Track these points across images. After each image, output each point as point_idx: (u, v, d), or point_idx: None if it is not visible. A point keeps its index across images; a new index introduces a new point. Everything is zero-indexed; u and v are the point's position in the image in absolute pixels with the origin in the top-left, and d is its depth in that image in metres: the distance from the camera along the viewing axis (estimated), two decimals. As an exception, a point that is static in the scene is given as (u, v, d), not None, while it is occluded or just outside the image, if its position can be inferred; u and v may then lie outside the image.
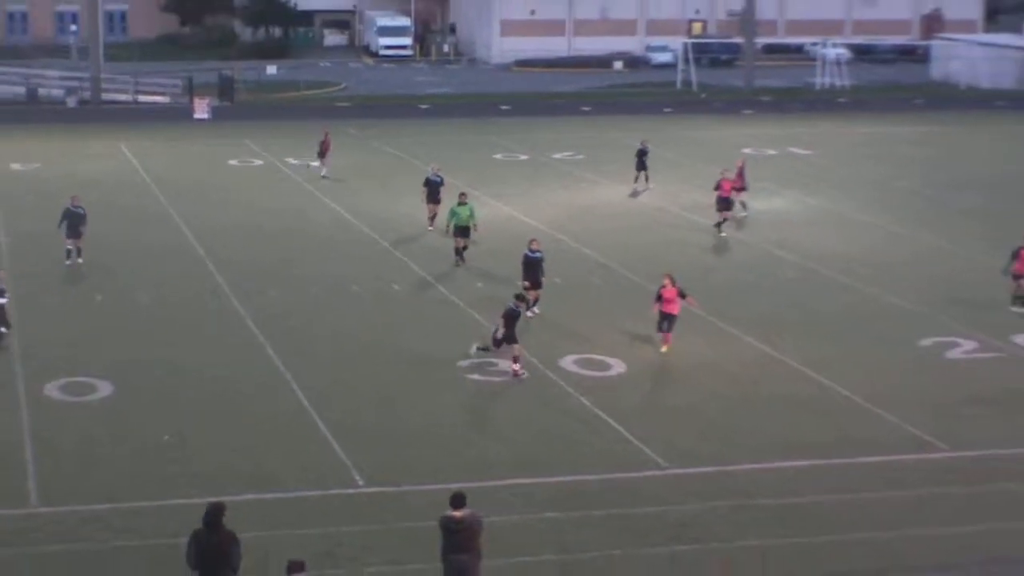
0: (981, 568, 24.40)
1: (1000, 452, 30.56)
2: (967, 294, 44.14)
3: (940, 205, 59.56)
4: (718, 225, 52.46)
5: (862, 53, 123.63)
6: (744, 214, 55.48)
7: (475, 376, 35.44)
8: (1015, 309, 41.64)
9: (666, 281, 37.11)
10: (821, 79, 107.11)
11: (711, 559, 25.34)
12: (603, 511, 27.22)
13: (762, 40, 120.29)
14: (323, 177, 63.22)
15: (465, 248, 46.97)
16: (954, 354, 37.85)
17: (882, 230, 54.28)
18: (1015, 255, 42.27)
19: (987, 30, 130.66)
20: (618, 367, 36.39)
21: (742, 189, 55.48)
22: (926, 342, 38.84)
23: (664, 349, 37.19)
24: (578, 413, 32.91)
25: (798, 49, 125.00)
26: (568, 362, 36.56)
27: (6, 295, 38.16)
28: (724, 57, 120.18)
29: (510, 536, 25.82)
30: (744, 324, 40.14)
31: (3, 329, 37.69)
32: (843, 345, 38.63)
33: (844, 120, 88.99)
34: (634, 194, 60.60)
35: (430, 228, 51.73)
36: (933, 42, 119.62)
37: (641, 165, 62.06)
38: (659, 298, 37.18)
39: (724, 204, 52.36)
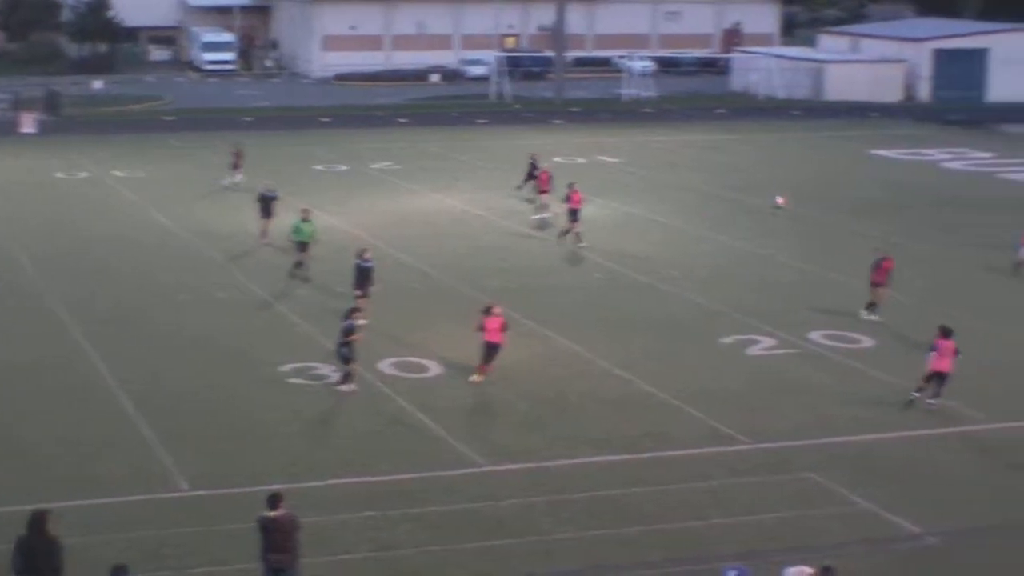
0: (781, 555, 25.49)
1: (798, 443, 32.11)
2: (766, 293, 45.93)
3: (737, 208, 61.48)
4: (565, 234, 53.21)
5: (667, 65, 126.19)
6: (547, 215, 57.05)
7: (297, 380, 36.20)
8: (866, 316, 42.82)
9: (495, 310, 36.52)
10: (628, 90, 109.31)
11: (529, 553, 26.41)
12: (422, 509, 28.11)
13: (572, 53, 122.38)
14: (233, 184, 63.92)
15: (300, 264, 47.30)
16: (754, 351, 39.48)
17: (685, 233, 56.07)
18: (876, 265, 43.32)
19: (783, 44, 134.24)
20: (435, 369, 37.40)
21: (544, 192, 57.76)
22: (727, 340, 40.42)
23: (475, 378, 36.16)
24: (397, 414, 33.81)
25: (606, 62, 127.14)
26: (386, 365, 37.44)
27: None
28: (536, 70, 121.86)
29: (329, 534, 26.61)
30: (555, 325, 41.39)
31: None
32: (649, 344, 40.07)
33: (650, 129, 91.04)
34: (532, 204, 60.31)
35: (264, 242, 52.12)
36: (733, 55, 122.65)
37: (530, 176, 62.51)
38: (482, 327, 36.17)
39: (573, 215, 53.13)
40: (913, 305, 44.49)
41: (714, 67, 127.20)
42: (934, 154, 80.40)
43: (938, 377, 34.40)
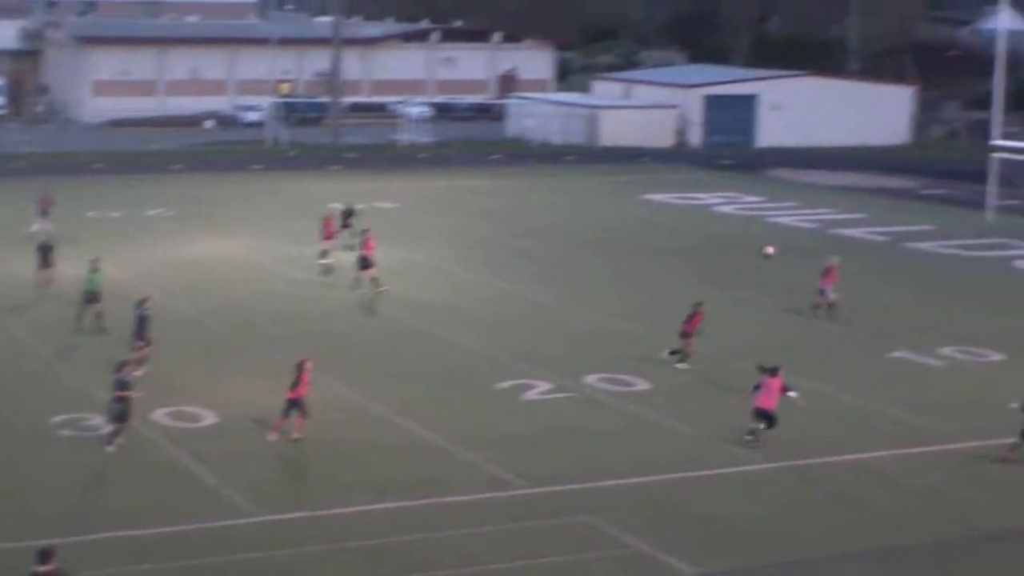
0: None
1: (574, 487, 32.37)
2: (542, 338, 46.30)
3: (514, 253, 61.97)
4: (357, 282, 52.61)
5: (443, 111, 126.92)
6: (330, 261, 56.90)
7: (68, 432, 35.48)
8: (674, 364, 43.05)
9: (307, 364, 35.54)
10: (404, 136, 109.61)
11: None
12: (199, 560, 27.72)
13: (348, 99, 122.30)
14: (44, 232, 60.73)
15: (96, 313, 45.98)
16: (530, 396, 39.73)
17: (460, 278, 56.35)
18: (689, 317, 43.44)
19: (558, 89, 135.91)
20: (210, 418, 36.96)
21: (329, 238, 57.48)
22: (504, 384, 40.63)
23: (296, 435, 35.05)
24: (170, 464, 33.33)
25: (382, 107, 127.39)
26: (160, 415, 36.89)
27: None
28: (312, 115, 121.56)
29: (106, 587, 26.18)
30: (333, 371, 41.09)
31: None
32: (426, 390, 40.08)
33: (426, 175, 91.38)
34: (345, 248, 59.68)
35: (45, 292, 50.79)
36: (509, 101, 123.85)
37: (345, 224, 61.72)
38: (295, 385, 35.21)
39: (364, 263, 52.60)
40: (696, 351, 45.21)
41: (490, 113, 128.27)
42: (706, 198, 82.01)
43: (763, 415, 35.04)
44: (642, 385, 40.88)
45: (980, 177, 77.87)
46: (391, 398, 38.98)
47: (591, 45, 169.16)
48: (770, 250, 38.55)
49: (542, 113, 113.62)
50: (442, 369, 42.52)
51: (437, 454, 34.59)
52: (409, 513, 30.58)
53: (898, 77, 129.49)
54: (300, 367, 35.45)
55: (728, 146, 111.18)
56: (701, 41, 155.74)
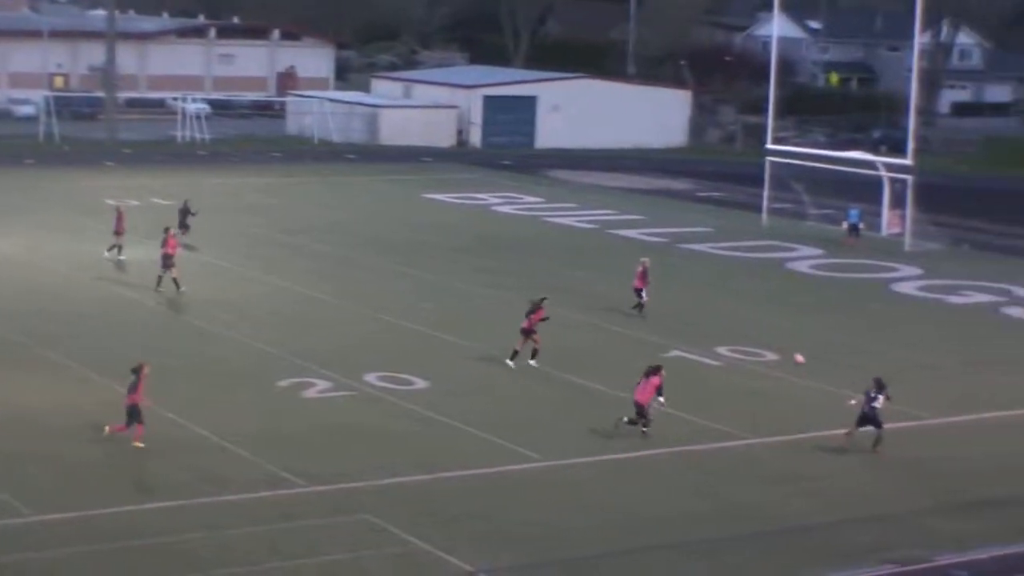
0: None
1: (354, 485, 32.20)
2: (321, 336, 46.02)
3: (294, 251, 61.49)
4: (160, 281, 51.64)
5: (222, 108, 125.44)
6: (121, 258, 55.97)
7: None
8: (530, 362, 43.01)
9: (144, 369, 34.80)
10: (182, 132, 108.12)
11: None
12: (-35, 561, 27.07)
13: (124, 94, 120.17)
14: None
15: None
16: (310, 393, 39.47)
17: (239, 276, 55.76)
18: (529, 313, 43.39)
19: (338, 88, 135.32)
20: (-22, 418, 36.05)
21: (120, 233, 57.16)
22: (283, 383, 40.31)
23: (137, 444, 34.14)
24: (-63, 465, 32.45)
25: (160, 104, 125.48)
26: (-75, 415, 35.89)
27: None
28: (87, 110, 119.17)
29: None
30: (106, 369, 40.35)
31: None
32: (203, 387, 39.58)
33: (204, 171, 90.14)
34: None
35: None
36: (288, 98, 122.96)
37: (183, 224, 60.79)
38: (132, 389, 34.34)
39: (167, 260, 51.45)
40: (470, 346, 45.35)
41: (270, 110, 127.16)
42: (486, 198, 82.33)
43: (636, 407, 36.16)
44: (421, 384, 40.85)
45: (755, 180, 79.44)
46: (170, 396, 38.28)
47: (371, 44, 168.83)
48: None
49: (322, 111, 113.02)
50: (222, 367, 42.01)
51: (215, 452, 34.14)
52: (186, 512, 30.11)
53: (675, 81, 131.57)
54: (138, 371, 34.63)
55: (508, 147, 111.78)
56: (481, 42, 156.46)
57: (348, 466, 33.43)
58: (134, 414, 34.16)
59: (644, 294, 50.90)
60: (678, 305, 53.37)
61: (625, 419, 36.44)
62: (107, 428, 34.64)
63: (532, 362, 43.00)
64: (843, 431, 36.38)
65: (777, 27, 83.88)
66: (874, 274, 62.12)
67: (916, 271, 62.89)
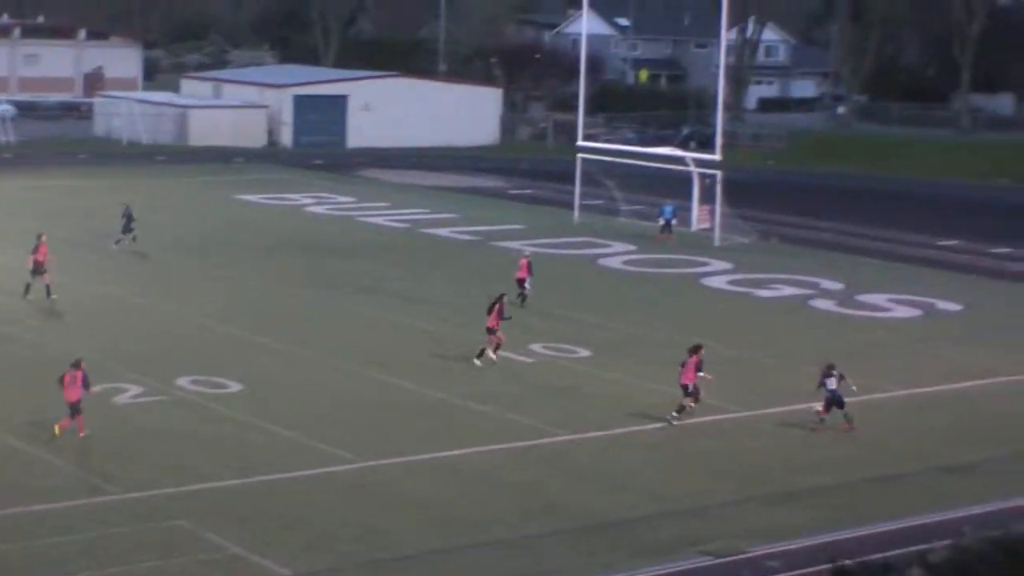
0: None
1: (167, 491, 31.86)
2: (132, 340, 45.44)
3: (103, 254, 60.43)
4: (28, 287, 50.86)
5: (28, 110, 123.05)
6: None
7: None
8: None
9: (83, 365, 35.62)
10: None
11: None
12: None
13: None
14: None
15: None
16: (122, 399, 38.95)
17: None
18: (490, 308, 44.19)
19: (146, 88, 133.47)
20: None
21: None
22: (95, 389, 39.55)
23: (82, 433, 35.01)
24: None
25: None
26: None
27: None
28: None
29: None
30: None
31: None
32: (13, 393, 38.91)
33: (10, 175, 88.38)
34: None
35: None
36: (96, 99, 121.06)
37: (128, 228, 61.17)
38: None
39: (38, 267, 50.64)
40: (284, 348, 45.13)
41: (78, 111, 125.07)
42: (298, 198, 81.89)
43: (684, 389, 38.27)
44: (235, 387, 40.56)
45: (567, 177, 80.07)
46: (-26, 405, 37.66)
47: (180, 43, 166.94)
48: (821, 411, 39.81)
49: (130, 112, 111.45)
50: (30, 372, 41.23)
51: (24, 460, 33.56)
52: (-6, 523, 29.63)
53: (486, 79, 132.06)
54: (76, 366, 35.11)
55: (319, 146, 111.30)
56: (291, 41, 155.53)
57: (161, 472, 33.08)
58: (74, 408, 35.07)
59: (527, 284, 52.43)
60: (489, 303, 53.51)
61: (675, 414, 38.27)
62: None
63: (492, 356, 43.99)
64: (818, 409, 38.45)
65: (586, 24, 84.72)
66: (685, 269, 63.02)
67: (726, 265, 63.92)
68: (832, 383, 38.33)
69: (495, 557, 29.01)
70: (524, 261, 53.86)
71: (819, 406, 38.53)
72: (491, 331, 44.21)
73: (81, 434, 35.06)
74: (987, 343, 49.86)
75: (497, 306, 44.47)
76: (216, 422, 37.32)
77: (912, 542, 29.67)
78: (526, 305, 51.89)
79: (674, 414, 38.30)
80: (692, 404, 38.48)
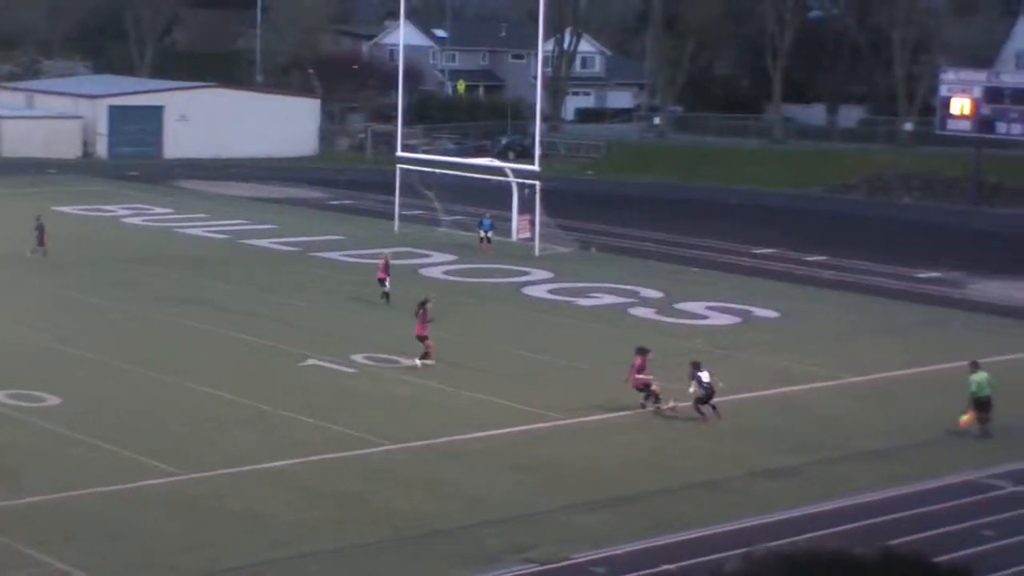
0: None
1: (-15, 507, 31.34)
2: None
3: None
4: None
5: None
6: None
7: None
8: (423, 362, 44.44)
9: None
10: None
11: None
12: None
13: None
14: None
15: None
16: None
17: None
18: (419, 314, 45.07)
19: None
20: None
21: None
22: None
23: None
24: None
25: None
26: None
27: None
28: None
29: None
30: None
31: None
32: None
33: None
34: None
35: None
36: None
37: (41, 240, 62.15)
38: None
39: None
40: (102, 361, 44.49)
41: None
42: (115, 210, 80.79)
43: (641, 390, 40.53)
44: (53, 400, 39.90)
45: (387, 188, 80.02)
46: None
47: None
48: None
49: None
50: None
51: None
52: None
53: (304, 89, 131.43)
54: None
55: (135, 157, 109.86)
56: (106, 51, 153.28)
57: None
58: None
59: (387, 284, 54.71)
60: (313, 314, 53.39)
61: (656, 406, 40.42)
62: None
63: (419, 362, 44.59)
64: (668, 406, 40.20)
65: (403, 35, 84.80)
66: (506, 279, 63.33)
67: (546, 274, 64.36)
68: (705, 376, 39.96)
69: (320, 567, 28.88)
70: (383, 261, 55.91)
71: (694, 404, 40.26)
72: (421, 339, 44.48)
73: None
74: (803, 349, 50.83)
75: (421, 312, 44.58)
76: (35, 436, 36.67)
77: (735, 546, 30.19)
78: (390, 304, 53.62)
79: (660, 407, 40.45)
80: (657, 405, 40.60)
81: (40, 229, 62.39)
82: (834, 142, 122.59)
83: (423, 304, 45.43)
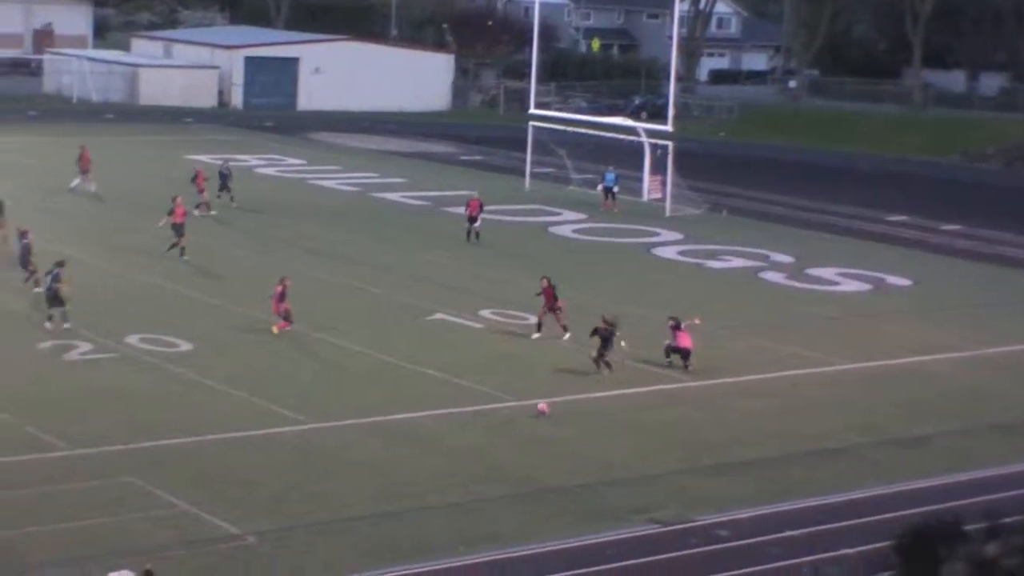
0: (103, 561, 25.08)
1: (117, 447, 31.75)
2: (81, 297, 44.95)
3: (49, 212, 59.88)
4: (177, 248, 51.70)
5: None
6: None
7: None
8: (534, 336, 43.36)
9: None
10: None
11: None
12: None
13: None
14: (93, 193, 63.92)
15: None
16: (72, 356, 38.78)
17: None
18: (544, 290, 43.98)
19: (96, 46, 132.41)
20: None
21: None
22: (45, 345, 39.52)
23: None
24: None
25: None
26: None
27: None
28: None
29: None
30: None
31: None
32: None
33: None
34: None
35: None
36: (46, 56, 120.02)
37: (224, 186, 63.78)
38: None
39: (179, 230, 51.67)
40: (234, 309, 44.97)
41: (26, 68, 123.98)
42: (249, 160, 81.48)
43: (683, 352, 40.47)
44: (185, 346, 40.41)
45: (518, 145, 79.98)
46: (-79, 359, 37.42)
47: (130, 2, 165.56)
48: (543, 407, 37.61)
49: (80, 70, 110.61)
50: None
51: (-30, 416, 33.39)
52: (-58, 477, 29.48)
53: (438, 45, 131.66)
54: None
55: (269, 108, 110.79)
56: (242, 2, 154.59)
57: (111, 429, 32.97)
58: None
59: (478, 222, 56.59)
60: (441, 268, 53.56)
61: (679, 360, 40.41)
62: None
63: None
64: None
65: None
66: (636, 239, 63.11)
67: (676, 235, 64.05)
68: (681, 329, 40.77)
69: (441, 521, 29.00)
70: (475, 200, 57.33)
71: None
72: (551, 310, 43.71)
73: None
74: (936, 319, 50.20)
75: (545, 290, 43.94)
76: (166, 381, 37.18)
77: (859, 515, 29.99)
78: (479, 241, 56.12)
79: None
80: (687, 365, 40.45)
81: (224, 176, 64.23)
82: (973, 110, 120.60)
83: (544, 279, 44.56)
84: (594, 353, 39.58)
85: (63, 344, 39.65)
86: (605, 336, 39.57)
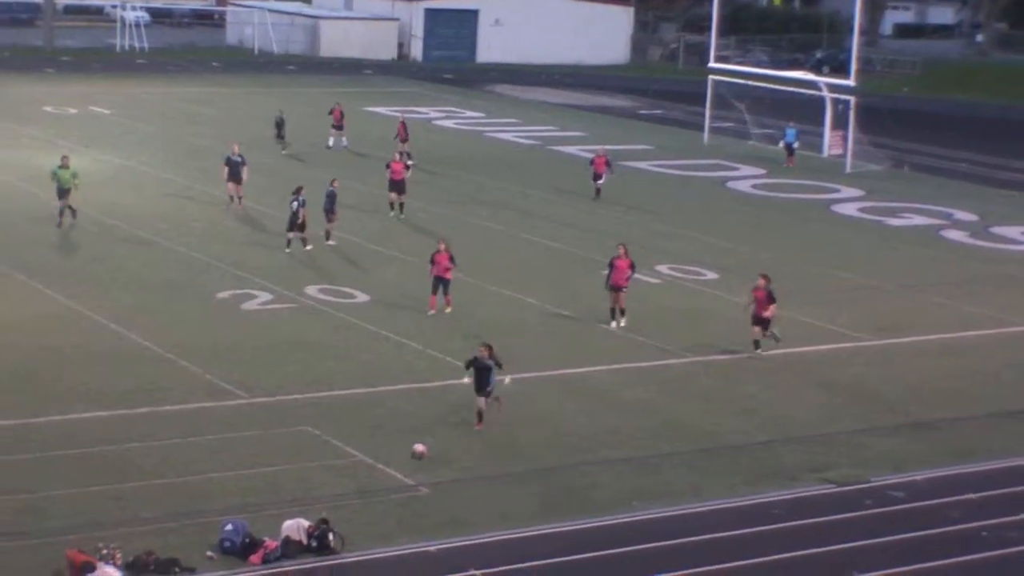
0: (279, 508, 25.62)
1: (294, 396, 32.20)
2: (261, 248, 45.83)
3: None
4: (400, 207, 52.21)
5: (161, 16, 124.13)
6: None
7: None
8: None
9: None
10: (121, 41, 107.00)
11: (17, 511, 25.53)
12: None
13: (63, 1, 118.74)
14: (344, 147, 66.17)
15: (68, 208, 46.90)
16: (250, 305, 39.35)
17: (176, 186, 55.43)
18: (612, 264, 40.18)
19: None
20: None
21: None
22: (224, 295, 40.16)
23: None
24: None
25: (99, 11, 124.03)
26: None
27: None
28: (24, 16, 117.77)
29: None
30: (45, 278, 40.21)
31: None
32: (144, 298, 39.44)
33: (144, 81, 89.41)
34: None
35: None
36: (229, 8, 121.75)
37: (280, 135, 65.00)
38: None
39: (397, 186, 52.08)
40: (411, 262, 45.29)
41: (210, 20, 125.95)
42: (427, 112, 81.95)
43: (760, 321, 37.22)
44: (362, 297, 40.80)
45: (697, 99, 79.41)
46: (106, 306, 38.19)
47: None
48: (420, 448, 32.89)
49: (262, 22, 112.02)
50: (161, 277, 41.82)
51: (155, 363, 34.04)
52: (126, 421, 30.09)
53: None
54: None
55: (449, 60, 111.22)
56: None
57: (289, 378, 33.42)
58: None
59: (604, 178, 56.57)
60: (617, 223, 53.37)
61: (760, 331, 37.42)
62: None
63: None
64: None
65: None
66: (815, 195, 62.35)
67: (857, 192, 63.18)
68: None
69: (614, 474, 28.99)
70: (600, 158, 57.35)
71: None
72: (616, 289, 41.67)
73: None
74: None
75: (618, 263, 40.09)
76: (343, 331, 37.58)
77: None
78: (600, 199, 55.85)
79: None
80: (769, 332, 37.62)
81: (279, 124, 65.29)
82: None
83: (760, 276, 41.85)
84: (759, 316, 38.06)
85: (242, 294, 40.25)
86: (480, 367, 30.99)
